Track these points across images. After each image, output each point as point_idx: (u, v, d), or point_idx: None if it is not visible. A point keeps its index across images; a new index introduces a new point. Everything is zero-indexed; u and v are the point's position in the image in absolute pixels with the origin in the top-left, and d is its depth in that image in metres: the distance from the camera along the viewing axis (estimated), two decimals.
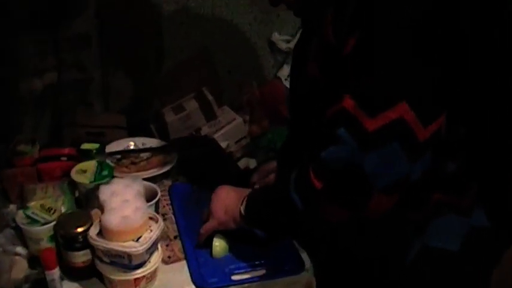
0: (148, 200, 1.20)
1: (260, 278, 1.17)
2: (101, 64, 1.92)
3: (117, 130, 1.91)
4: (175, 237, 1.28)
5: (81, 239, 1.08)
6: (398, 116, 0.85)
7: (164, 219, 1.34)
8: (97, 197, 1.12)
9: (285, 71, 2.37)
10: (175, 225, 1.32)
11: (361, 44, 0.87)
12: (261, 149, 2.29)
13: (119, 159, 1.51)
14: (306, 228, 1.07)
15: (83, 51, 1.92)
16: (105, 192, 1.09)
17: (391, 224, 1.01)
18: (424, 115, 0.86)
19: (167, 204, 1.39)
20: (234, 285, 1.15)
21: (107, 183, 1.17)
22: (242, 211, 1.13)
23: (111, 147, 1.54)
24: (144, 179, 1.40)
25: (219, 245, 1.21)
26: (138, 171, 1.49)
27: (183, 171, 1.52)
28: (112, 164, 1.47)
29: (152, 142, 1.61)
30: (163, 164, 1.52)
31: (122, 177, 1.21)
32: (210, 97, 2.19)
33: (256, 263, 1.21)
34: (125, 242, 1.04)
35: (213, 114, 2.20)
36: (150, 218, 1.12)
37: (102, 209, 1.09)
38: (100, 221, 1.06)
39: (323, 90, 0.98)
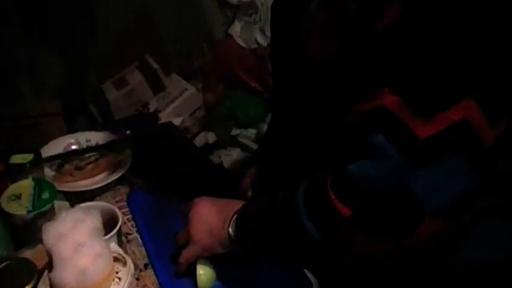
0: (106, 228, 0.93)
1: None
2: (23, 42, 1.58)
3: (53, 118, 1.61)
4: (146, 266, 1.02)
5: None
6: (462, 116, 0.61)
7: (128, 241, 1.07)
8: (41, 237, 0.85)
9: (237, 26, 2.09)
10: (142, 248, 1.06)
11: (410, 17, 0.61)
12: (219, 120, 2.04)
13: (59, 166, 1.21)
14: (322, 258, 0.83)
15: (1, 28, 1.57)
16: (50, 235, 0.81)
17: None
18: (493, 113, 0.63)
19: (128, 220, 1.12)
20: None
21: (50, 216, 0.89)
22: (231, 233, 0.88)
23: (48, 151, 1.24)
24: (94, 191, 1.13)
25: (204, 273, 0.96)
26: (85, 178, 1.20)
27: (140, 171, 1.24)
28: (52, 173, 1.18)
29: (98, 137, 1.31)
30: (116, 165, 1.23)
31: (67, 206, 0.93)
32: (155, 66, 1.90)
33: None
34: None
35: (160, 86, 1.92)
36: (116, 259, 0.85)
37: (49, 255, 0.81)
38: (49, 276, 0.78)
39: (341, 77, 0.72)
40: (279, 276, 0.98)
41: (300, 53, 0.81)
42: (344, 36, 0.70)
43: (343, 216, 0.67)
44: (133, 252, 1.04)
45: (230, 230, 0.88)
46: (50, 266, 0.79)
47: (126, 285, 0.81)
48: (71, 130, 1.56)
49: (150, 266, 1.02)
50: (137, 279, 0.99)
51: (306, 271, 1.00)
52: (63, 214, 0.84)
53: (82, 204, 0.99)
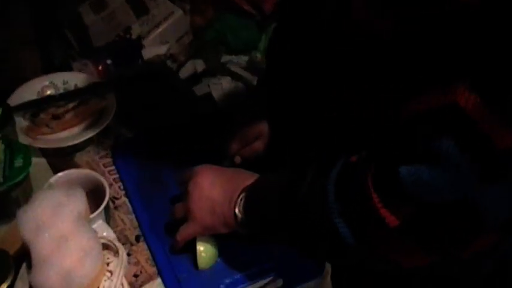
0: (90, 199, 0.80)
1: None
2: None
3: (24, 47, 1.42)
4: (137, 238, 0.90)
5: None
6: None
7: (115, 207, 0.94)
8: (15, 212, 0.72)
9: None
10: (133, 216, 0.93)
11: None
12: (208, 45, 1.86)
13: (33, 115, 1.06)
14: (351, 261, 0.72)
15: None
16: (28, 226, 0.68)
17: None
18: None
19: (115, 181, 0.99)
20: None
21: (26, 186, 0.76)
22: (238, 215, 0.76)
23: (19, 96, 1.08)
24: (73, 147, 0.99)
25: (204, 250, 0.85)
26: (64, 128, 1.06)
27: (127, 120, 1.10)
28: (25, 123, 1.03)
29: (77, 78, 1.15)
30: (98, 113, 1.08)
31: (50, 186, 0.79)
32: None
33: (260, 268, 0.86)
34: None
35: (144, 8, 1.71)
36: (105, 247, 0.73)
37: (26, 247, 0.68)
38: (28, 277, 0.66)
39: (399, 61, 0.58)
40: (289, 255, 0.87)
41: (331, 28, 0.66)
42: (404, 10, 0.55)
43: (389, 226, 0.56)
44: (122, 221, 0.93)
45: (237, 210, 0.76)
46: (28, 261, 0.67)
47: (119, 282, 0.69)
48: (45, 61, 1.39)
49: (142, 238, 0.90)
50: (128, 254, 0.87)
51: None
52: (41, 195, 0.70)
53: (61, 174, 0.85)
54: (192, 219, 0.81)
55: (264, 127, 0.94)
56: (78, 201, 0.71)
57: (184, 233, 0.82)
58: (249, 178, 0.78)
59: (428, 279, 0.75)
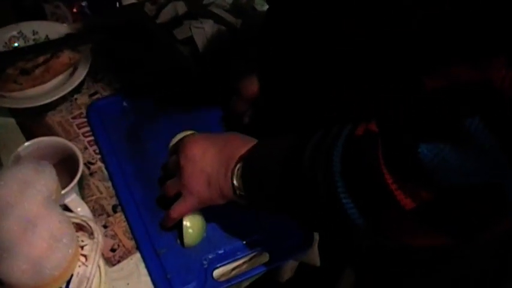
0: (60, 168, 0.74)
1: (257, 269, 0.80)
2: None
3: None
4: (114, 209, 0.85)
5: None
6: None
7: (90, 174, 0.88)
8: None
9: None
10: (109, 184, 0.87)
11: None
12: None
13: (0, 70, 0.97)
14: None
15: None
16: None
17: None
18: None
19: (90, 144, 0.92)
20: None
21: None
22: (236, 185, 0.70)
23: None
24: (44, 106, 0.92)
25: (191, 225, 0.80)
26: (33, 85, 0.98)
27: (103, 75, 1.02)
28: None
29: (48, 28, 1.06)
30: (72, 68, 1.00)
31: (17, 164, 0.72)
32: None
33: (245, 242, 0.82)
34: None
35: None
36: (79, 227, 0.67)
37: None
38: None
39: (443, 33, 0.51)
40: (279, 227, 0.83)
41: (331, 28, 0.60)
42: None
43: (404, 208, 0.51)
44: (98, 189, 0.87)
45: (235, 181, 0.70)
46: None
47: (94, 267, 0.63)
48: (15, 4, 1.29)
49: (119, 208, 0.85)
50: (105, 226, 0.82)
51: None
52: (6, 174, 0.64)
53: (29, 143, 0.78)
54: (189, 195, 0.75)
55: None
56: (48, 178, 0.64)
57: (179, 209, 0.77)
58: (243, 145, 0.72)
59: (435, 258, 0.72)
